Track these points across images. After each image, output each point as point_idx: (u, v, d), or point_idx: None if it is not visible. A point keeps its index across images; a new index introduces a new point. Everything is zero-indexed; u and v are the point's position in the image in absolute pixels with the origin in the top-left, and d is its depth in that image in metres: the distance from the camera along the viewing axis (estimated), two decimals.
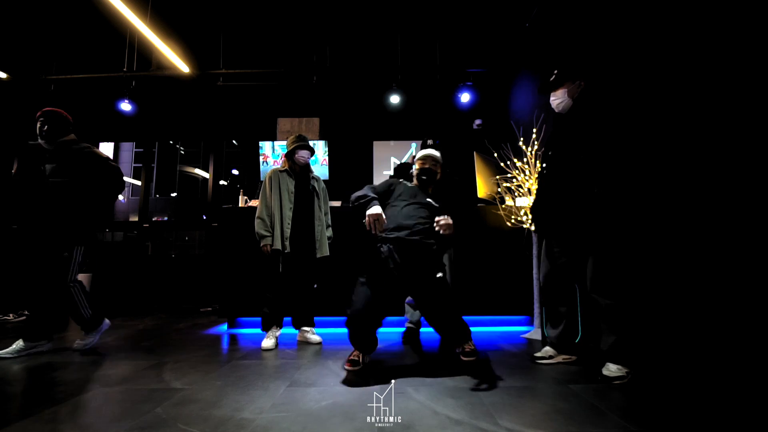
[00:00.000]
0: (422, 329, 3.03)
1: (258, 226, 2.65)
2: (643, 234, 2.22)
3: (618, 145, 1.96)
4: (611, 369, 1.87)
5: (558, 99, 2.08)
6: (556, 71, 2.09)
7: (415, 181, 2.38)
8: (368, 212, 2.07)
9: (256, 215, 2.67)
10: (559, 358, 2.14)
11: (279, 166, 2.82)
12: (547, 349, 2.17)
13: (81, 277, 4.42)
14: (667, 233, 2.11)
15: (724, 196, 1.82)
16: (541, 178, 2.22)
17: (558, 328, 2.15)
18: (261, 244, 2.63)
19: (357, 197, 2.17)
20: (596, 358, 2.07)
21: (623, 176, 1.96)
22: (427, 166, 2.32)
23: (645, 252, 2.22)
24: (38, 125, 2.40)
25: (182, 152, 21.66)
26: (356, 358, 1.98)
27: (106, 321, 2.59)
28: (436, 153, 2.36)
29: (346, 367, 1.96)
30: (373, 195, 2.16)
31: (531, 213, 2.33)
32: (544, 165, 2.19)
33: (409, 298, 2.91)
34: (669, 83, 2.14)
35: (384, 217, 2.09)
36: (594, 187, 1.91)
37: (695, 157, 1.97)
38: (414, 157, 2.45)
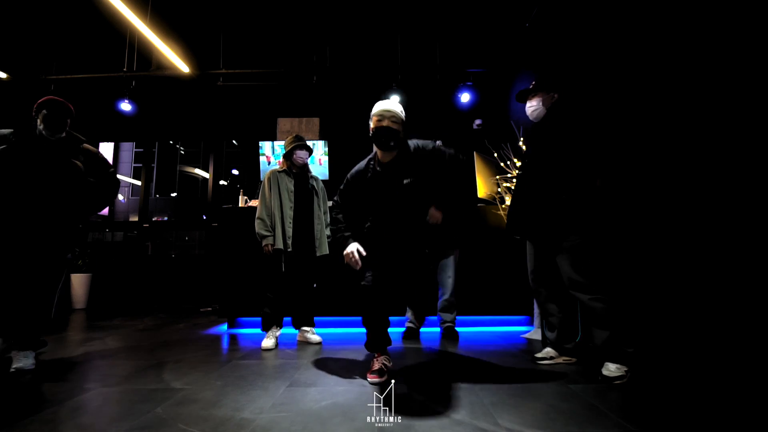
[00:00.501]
0: (422, 329, 3.03)
1: (258, 227, 2.65)
2: (630, 231, 2.25)
3: (587, 152, 2.01)
4: (611, 369, 1.86)
5: (533, 107, 2.15)
6: (534, 81, 2.17)
7: (376, 150, 1.98)
8: (345, 253, 1.92)
9: (257, 216, 2.67)
10: (560, 360, 2.15)
11: (278, 167, 2.83)
12: (549, 350, 2.18)
13: (81, 277, 4.44)
14: (651, 232, 2.13)
15: (716, 192, 1.82)
16: (517, 183, 2.28)
17: (554, 330, 2.17)
18: (263, 244, 2.63)
19: (332, 231, 2.08)
20: (595, 358, 2.07)
21: (592, 180, 2.00)
22: (384, 124, 1.87)
23: (638, 249, 2.24)
24: (45, 113, 2.17)
25: (182, 152, 21.66)
26: (383, 366, 1.87)
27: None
28: (396, 107, 1.92)
29: (372, 379, 1.81)
30: (343, 226, 2.00)
31: (507, 217, 2.36)
32: (519, 172, 2.22)
33: None
34: (653, 85, 2.14)
35: (361, 250, 1.91)
36: (562, 194, 1.98)
37: (695, 156, 1.97)
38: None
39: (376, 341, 1.95)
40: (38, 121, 2.18)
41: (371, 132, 1.92)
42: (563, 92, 2.16)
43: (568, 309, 2.18)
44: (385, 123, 1.87)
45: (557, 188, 1.99)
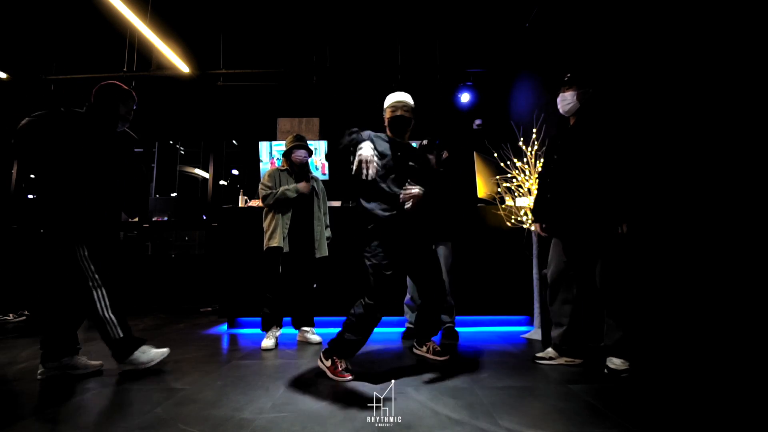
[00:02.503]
0: None
1: (263, 194, 2.63)
2: (648, 233, 2.23)
3: (625, 151, 2.00)
4: (616, 362, 1.90)
5: (566, 100, 2.10)
6: (569, 74, 2.12)
7: (389, 132, 2.09)
8: (361, 154, 1.81)
9: (259, 193, 2.68)
10: (561, 360, 2.13)
11: (279, 166, 2.83)
12: (550, 351, 2.17)
13: None
14: (669, 232, 2.11)
15: (722, 195, 1.82)
16: (546, 179, 2.23)
17: (561, 331, 2.14)
18: (279, 195, 2.58)
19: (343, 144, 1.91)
20: (597, 357, 2.08)
21: (632, 179, 1.98)
22: (398, 113, 2.03)
23: (649, 250, 2.23)
24: (126, 105, 2.11)
25: (182, 152, 21.65)
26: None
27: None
28: (408, 98, 2.08)
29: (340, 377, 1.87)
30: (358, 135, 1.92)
31: (533, 212, 2.33)
32: (550, 166, 2.20)
33: (407, 299, 2.91)
34: (668, 86, 2.14)
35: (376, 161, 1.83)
36: (604, 191, 1.96)
37: (696, 158, 1.97)
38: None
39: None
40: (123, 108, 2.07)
41: (387, 122, 2.09)
42: (599, 88, 2.12)
43: (581, 311, 2.14)
44: (399, 113, 2.05)
45: (601, 187, 1.96)
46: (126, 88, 2.13)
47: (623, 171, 1.96)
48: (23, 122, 1.81)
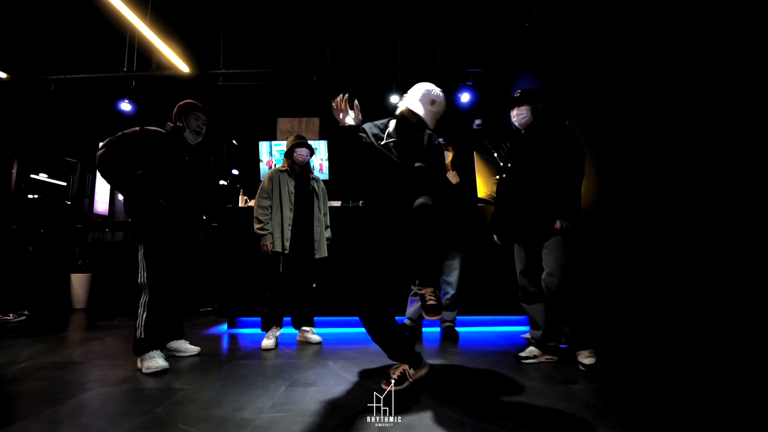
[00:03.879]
0: (423, 329, 3.03)
1: (256, 226, 2.64)
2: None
3: (565, 155, 2.11)
4: (584, 355, 2.01)
5: (522, 115, 2.23)
6: (520, 90, 2.26)
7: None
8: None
9: (255, 215, 2.66)
10: (543, 358, 2.22)
11: (280, 166, 2.81)
12: (532, 349, 2.23)
13: (81, 277, 4.44)
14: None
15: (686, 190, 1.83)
16: (500, 187, 2.37)
17: (539, 328, 2.24)
18: (261, 243, 2.62)
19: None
20: (567, 354, 2.19)
21: (569, 180, 2.09)
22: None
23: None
24: (201, 120, 2.34)
25: None
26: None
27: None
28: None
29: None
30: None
31: (490, 224, 2.44)
32: (503, 175, 2.34)
33: (410, 299, 2.91)
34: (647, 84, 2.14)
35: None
36: (548, 197, 2.09)
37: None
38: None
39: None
40: (182, 124, 2.28)
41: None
42: (544, 103, 2.29)
43: (552, 308, 2.21)
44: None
45: (544, 192, 2.10)
46: (192, 102, 2.34)
47: (562, 172, 2.08)
48: (111, 138, 2.07)
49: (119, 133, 2.10)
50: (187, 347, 2.36)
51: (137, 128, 2.15)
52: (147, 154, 2.11)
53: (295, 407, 1.52)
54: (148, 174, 2.11)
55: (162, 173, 2.13)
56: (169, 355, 2.27)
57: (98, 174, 2.40)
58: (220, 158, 6.04)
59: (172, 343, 2.33)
